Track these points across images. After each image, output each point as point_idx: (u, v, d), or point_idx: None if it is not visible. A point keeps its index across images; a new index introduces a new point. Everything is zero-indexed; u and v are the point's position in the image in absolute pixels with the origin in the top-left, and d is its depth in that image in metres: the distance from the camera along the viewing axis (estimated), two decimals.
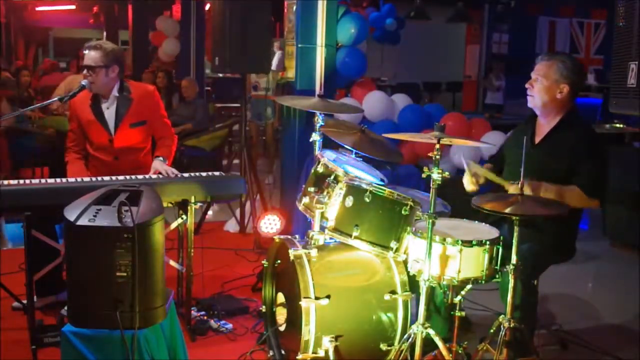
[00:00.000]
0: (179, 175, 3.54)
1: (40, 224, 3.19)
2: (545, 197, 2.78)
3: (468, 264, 2.65)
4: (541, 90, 3.04)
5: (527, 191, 2.72)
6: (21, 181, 3.19)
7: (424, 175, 2.65)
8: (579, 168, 2.93)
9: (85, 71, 3.58)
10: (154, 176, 3.53)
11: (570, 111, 3.08)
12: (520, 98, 3.17)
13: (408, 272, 2.88)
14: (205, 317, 3.61)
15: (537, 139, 3.11)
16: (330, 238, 2.95)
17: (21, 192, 3.08)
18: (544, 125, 3.13)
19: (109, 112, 3.70)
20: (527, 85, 3.10)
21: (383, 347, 2.87)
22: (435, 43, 11.34)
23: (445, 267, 2.67)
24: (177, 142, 3.98)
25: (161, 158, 3.70)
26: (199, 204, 3.49)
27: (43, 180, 3.26)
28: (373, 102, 5.73)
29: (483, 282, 2.71)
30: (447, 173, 2.62)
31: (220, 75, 9.34)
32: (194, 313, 3.60)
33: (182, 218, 3.43)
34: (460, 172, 5.54)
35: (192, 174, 3.58)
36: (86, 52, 3.60)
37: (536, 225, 2.96)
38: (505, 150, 3.32)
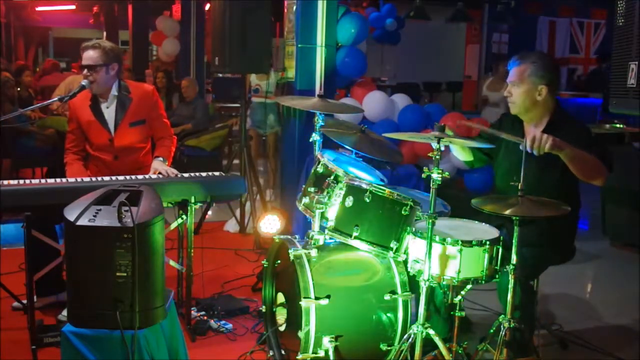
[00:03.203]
0: (178, 175, 3.54)
1: (40, 224, 3.19)
2: (563, 151, 2.71)
3: (468, 264, 2.65)
4: (520, 95, 2.99)
5: (545, 139, 2.65)
6: (21, 181, 3.19)
7: (424, 175, 2.65)
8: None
9: (85, 71, 3.59)
10: (154, 176, 3.53)
11: (556, 111, 3.05)
12: None
13: (408, 272, 2.89)
14: (205, 317, 3.62)
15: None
16: (330, 238, 2.95)
17: (21, 192, 3.07)
18: (533, 130, 3.08)
19: (109, 111, 3.70)
20: (505, 94, 3.07)
21: (383, 347, 2.87)
22: (435, 43, 11.35)
23: (445, 267, 2.67)
24: (176, 143, 3.99)
25: (161, 158, 3.71)
26: (199, 204, 3.49)
27: (43, 180, 3.26)
28: (373, 102, 5.72)
29: (483, 282, 2.71)
30: (447, 173, 2.62)
31: (220, 75, 9.31)
32: (194, 313, 3.60)
33: (182, 218, 3.43)
34: (460, 172, 5.55)
35: (192, 174, 3.58)
36: (86, 52, 3.61)
37: (535, 226, 2.95)
38: (495, 157, 3.26)
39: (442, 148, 2.73)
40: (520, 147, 2.69)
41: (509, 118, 3.25)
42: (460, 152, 3.26)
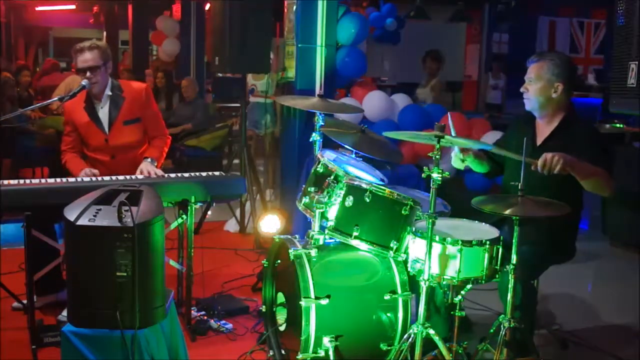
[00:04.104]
0: (165, 177, 3.53)
1: (40, 224, 3.19)
2: (573, 170, 2.73)
3: (468, 264, 2.65)
4: (536, 91, 3.02)
5: (556, 162, 2.68)
6: (21, 181, 3.19)
7: (424, 175, 2.65)
8: (590, 159, 2.85)
9: (88, 73, 3.58)
10: (153, 176, 3.53)
11: (570, 111, 3.08)
12: (520, 97, 3.16)
13: (408, 272, 2.89)
14: (205, 317, 3.62)
15: (539, 141, 3.10)
16: (330, 238, 2.95)
17: (21, 192, 3.08)
18: (544, 127, 3.11)
19: (103, 111, 3.73)
20: (522, 90, 3.09)
21: (383, 347, 2.88)
22: (435, 43, 11.32)
23: (445, 267, 2.67)
24: (171, 142, 3.99)
25: (149, 159, 3.70)
26: (199, 204, 3.49)
27: (43, 180, 3.26)
28: (373, 102, 5.72)
29: (483, 282, 2.71)
30: (447, 173, 2.62)
31: (220, 75, 9.30)
32: (194, 313, 3.60)
33: (182, 218, 3.43)
34: (460, 172, 5.55)
35: (192, 174, 3.58)
36: (82, 54, 3.59)
37: (536, 225, 2.95)
38: (503, 159, 3.28)
39: (462, 170, 2.73)
40: (532, 168, 2.71)
41: (519, 120, 3.28)
42: (477, 165, 3.25)
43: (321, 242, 2.95)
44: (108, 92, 3.70)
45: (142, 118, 3.80)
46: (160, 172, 3.56)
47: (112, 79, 3.75)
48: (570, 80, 3.03)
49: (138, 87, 3.84)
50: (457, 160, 3.09)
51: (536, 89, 3.02)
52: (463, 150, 3.05)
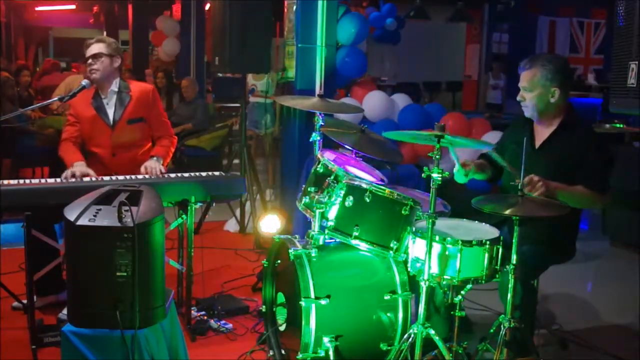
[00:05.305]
0: (166, 175, 3.54)
1: (40, 224, 3.19)
2: (556, 194, 2.76)
3: (468, 264, 2.65)
4: (533, 99, 3.00)
5: (538, 187, 2.71)
6: (21, 181, 3.20)
7: (424, 175, 2.65)
8: (583, 166, 2.90)
9: (90, 60, 3.65)
10: (156, 173, 3.55)
11: (568, 113, 3.06)
12: None
13: (408, 272, 2.89)
14: (205, 317, 3.62)
15: (537, 143, 3.09)
16: (330, 238, 2.95)
17: (21, 192, 3.08)
18: (543, 129, 3.09)
19: (109, 107, 3.76)
20: (518, 98, 3.07)
21: (383, 347, 2.87)
22: (435, 43, 11.33)
23: (445, 267, 2.67)
24: (176, 143, 4.00)
25: (155, 158, 3.71)
26: (199, 204, 3.50)
27: (43, 180, 3.27)
28: (373, 102, 5.73)
29: (483, 282, 2.71)
30: (447, 173, 2.62)
31: (220, 75, 9.30)
32: (194, 313, 3.60)
33: (182, 218, 3.43)
34: None
35: (192, 174, 3.58)
36: (90, 46, 3.69)
37: (536, 225, 2.95)
38: (504, 154, 3.28)
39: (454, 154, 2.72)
40: (516, 181, 2.71)
41: (517, 122, 3.27)
42: (479, 175, 3.23)
43: (321, 242, 2.95)
44: (114, 88, 3.74)
45: (146, 119, 3.82)
46: (162, 169, 3.58)
47: (121, 79, 3.78)
48: (566, 82, 3.00)
49: (145, 88, 3.88)
50: (460, 176, 3.06)
51: (533, 96, 2.99)
52: (464, 165, 3.04)
